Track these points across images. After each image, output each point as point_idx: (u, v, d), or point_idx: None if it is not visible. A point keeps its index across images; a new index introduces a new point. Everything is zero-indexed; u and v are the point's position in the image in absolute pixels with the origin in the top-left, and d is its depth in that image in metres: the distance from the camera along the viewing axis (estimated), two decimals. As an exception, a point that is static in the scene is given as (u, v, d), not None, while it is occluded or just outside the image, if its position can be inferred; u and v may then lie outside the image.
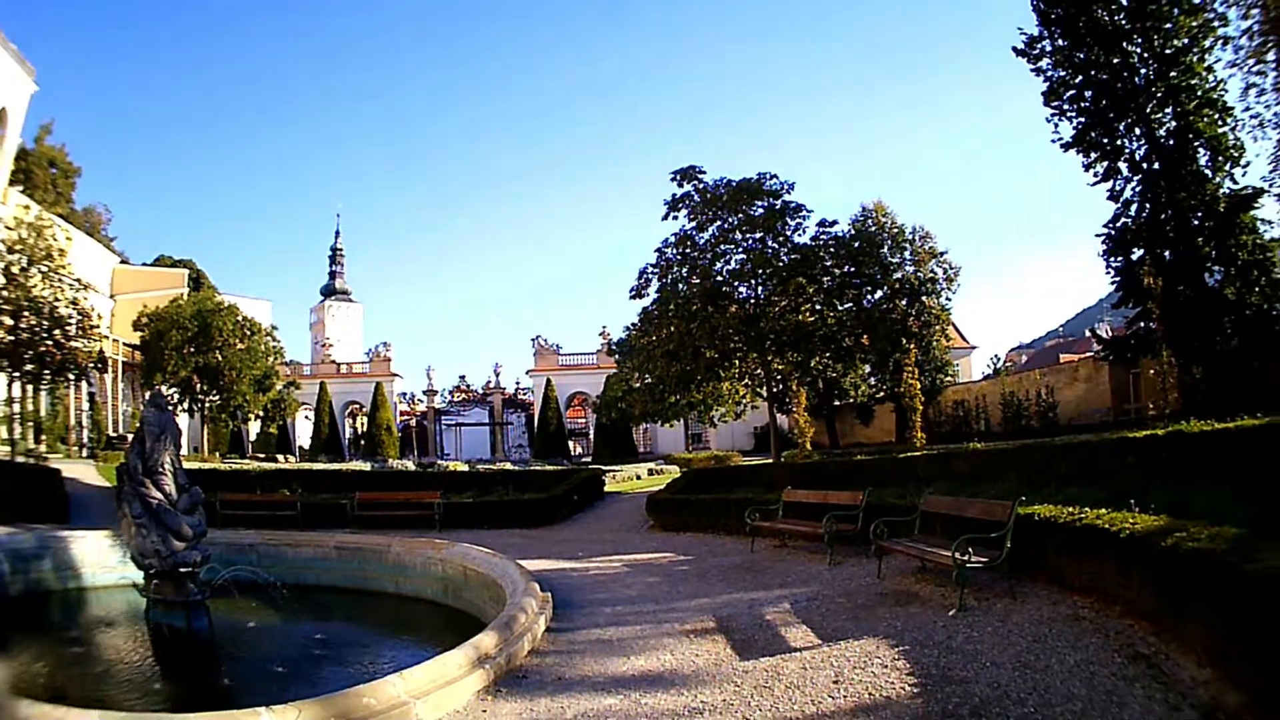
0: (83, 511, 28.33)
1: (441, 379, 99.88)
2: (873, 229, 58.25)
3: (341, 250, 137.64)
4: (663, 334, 38.50)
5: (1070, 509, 12.21)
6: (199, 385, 54.58)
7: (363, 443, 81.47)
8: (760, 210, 38.87)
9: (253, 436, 73.50)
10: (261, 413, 61.56)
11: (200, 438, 61.37)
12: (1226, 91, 34.39)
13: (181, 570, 11.94)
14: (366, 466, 56.64)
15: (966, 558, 11.61)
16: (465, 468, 53.89)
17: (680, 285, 39.08)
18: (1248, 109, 33.34)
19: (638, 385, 43.50)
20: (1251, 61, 32.42)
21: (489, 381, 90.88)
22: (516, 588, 12.64)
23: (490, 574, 14.31)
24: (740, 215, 38.70)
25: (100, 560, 17.44)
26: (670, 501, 29.48)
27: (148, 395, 18.66)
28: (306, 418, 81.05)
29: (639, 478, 48.48)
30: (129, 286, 67.73)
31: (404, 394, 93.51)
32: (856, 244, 43.58)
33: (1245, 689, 6.80)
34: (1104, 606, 10.34)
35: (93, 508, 28.78)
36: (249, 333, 57.72)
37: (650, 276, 39.96)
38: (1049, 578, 12.26)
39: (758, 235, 38.93)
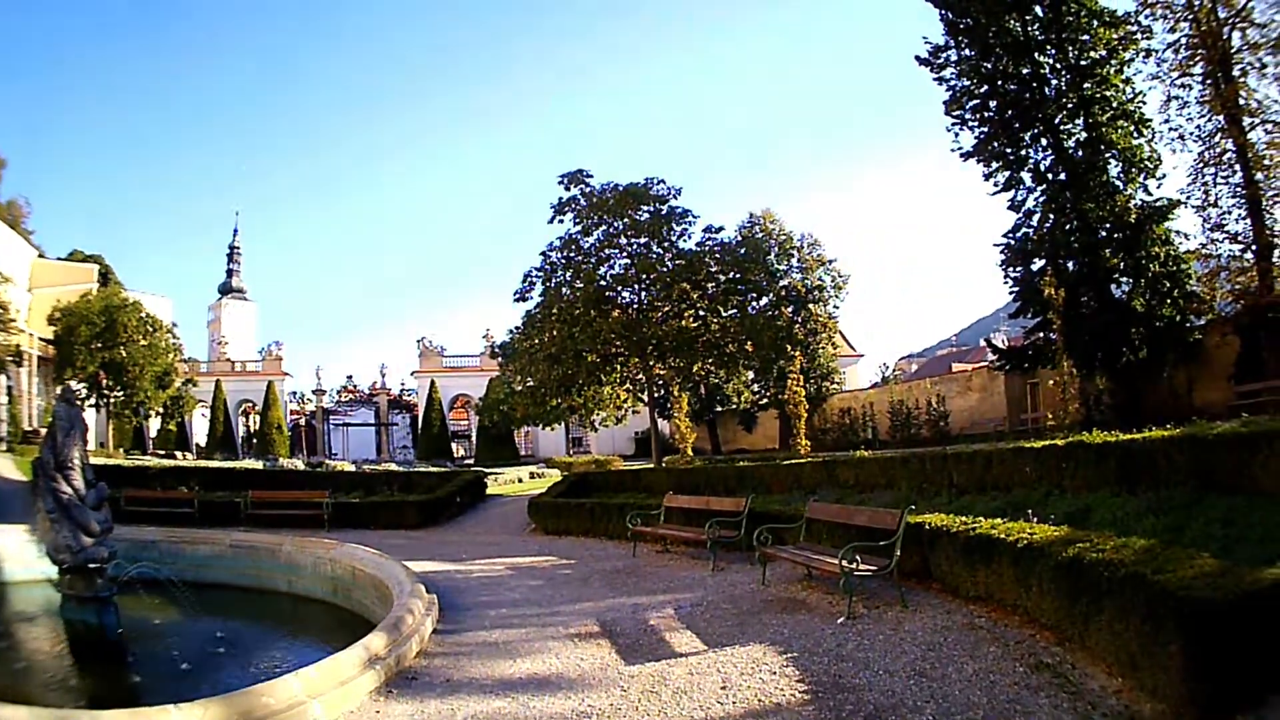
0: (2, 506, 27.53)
1: (333, 378, 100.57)
2: (760, 236, 59.24)
3: (239, 249, 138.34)
4: (545, 337, 38.89)
5: (964, 519, 12.21)
6: (105, 381, 54.25)
7: (255, 441, 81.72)
8: (646, 215, 39.61)
9: (153, 433, 72.25)
10: (161, 409, 62.14)
11: (106, 433, 61.14)
12: (1145, 104, 35.08)
13: (90, 566, 11.94)
14: (259, 465, 57.03)
15: (854, 565, 11.56)
16: (352, 467, 54.35)
17: (564, 289, 39.57)
18: (1167, 121, 34.11)
19: (520, 388, 43.83)
20: (1175, 74, 33.68)
21: (375, 382, 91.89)
22: (403, 589, 12.75)
23: (377, 575, 14.45)
24: (626, 220, 39.37)
25: (18, 555, 17.16)
26: (552, 505, 29.60)
27: (59, 390, 18.69)
28: (204, 415, 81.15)
29: (520, 480, 48.81)
30: (45, 280, 66.15)
31: (294, 393, 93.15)
32: (743, 250, 45.16)
33: (1162, 698, 6.80)
34: (1002, 616, 10.36)
35: (10, 502, 28.07)
36: (151, 329, 57.82)
37: (535, 280, 40.56)
38: (942, 587, 12.27)
39: (643, 240, 39.79)
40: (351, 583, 15.47)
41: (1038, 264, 36.81)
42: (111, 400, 56.04)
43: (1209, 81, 32.88)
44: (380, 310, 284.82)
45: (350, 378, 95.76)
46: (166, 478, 37.19)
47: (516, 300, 41.05)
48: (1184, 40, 33.32)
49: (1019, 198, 37.88)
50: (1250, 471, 11.18)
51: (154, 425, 71.66)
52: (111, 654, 11.87)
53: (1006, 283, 38.60)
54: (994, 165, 37.75)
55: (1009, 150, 37.08)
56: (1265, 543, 9.35)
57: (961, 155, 38.41)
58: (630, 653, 10.49)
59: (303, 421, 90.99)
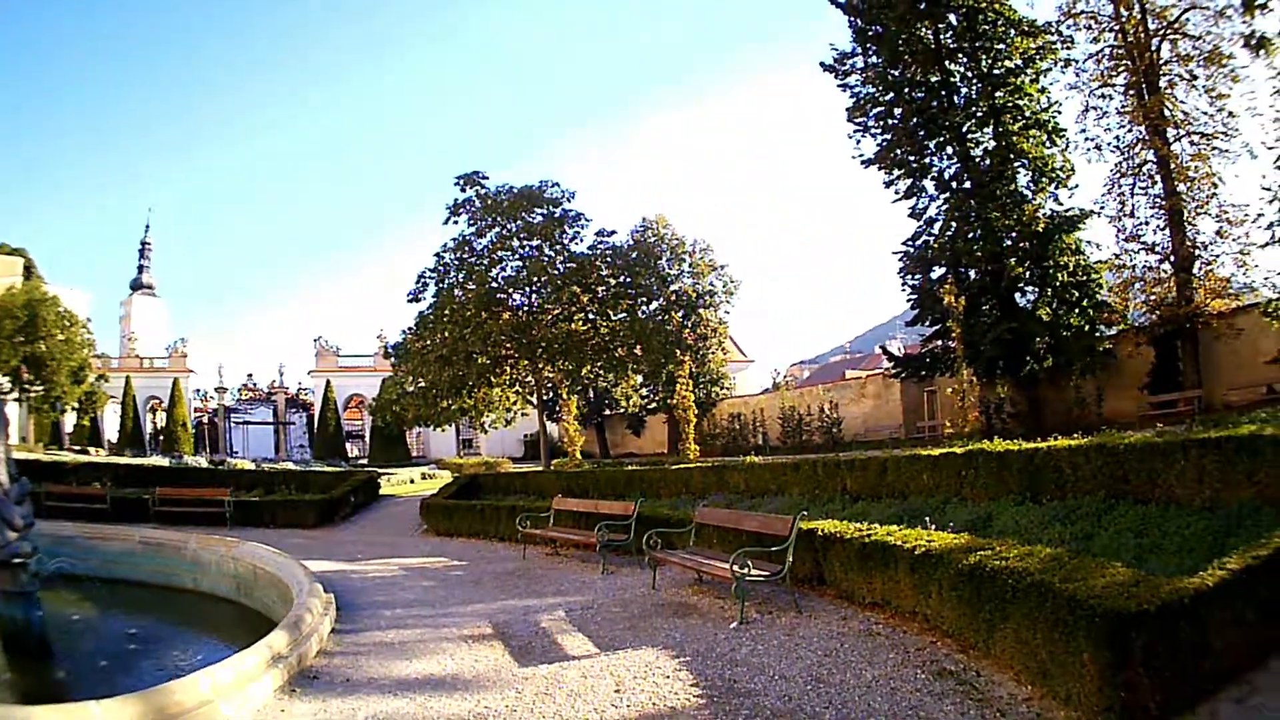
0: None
1: (237, 376, 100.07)
2: (652, 240, 59.61)
3: (150, 245, 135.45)
4: (437, 338, 39.89)
5: (859, 525, 12.26)
6: (26, 375, 54.44)
7: (161, 438, 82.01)
8: (540, 218, 40.80)
9: (69, 428, 74.68)
10: (76, 405, 62.73)
11: (26, 428, 62.46)
12: (1060, 114, 35.72)
13: (15, 561, 11.89)
14: (165, 462, 57.50)
15: (746, 571, 11.58)
16: (253, 466, 55.24)
17: (457, 291, 40.32)
18: (1083, 131, 34.72)
19: (412, 389, 44.14)
20: (1096, 85, 34.58)
21: (274, 381, 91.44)
22: (301, 588, 12.88)
23: (278, 574, 14.62)
24: (520, 222, 40.61)
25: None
26: (443, 506, 30.07)
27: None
28: (115, 411, 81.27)
29: (412, 481, 49.16)
30: (-30, 274, 65.53)
31: (198, 390, 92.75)
32: (634, 255, 46.32)
33: (1077, 707, 6.80)
34: (900, 623, 10.40)
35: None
36: (68, 324, 57.97)
37: (428, 281, 41.66)
38: (837, 593, 12.29)
39: (535, 243, 40.96)
40: (254, 581, 15.66)
41: (938, 272, 37.38)
42: (31, 395, 56.45)
43: (1132, 93, 33.68)
44: (284, 309, 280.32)
45: (250, 375, 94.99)
46: (82, 473, 37.62)
47: (410, 301, 42.16)
48: (1108, 51, 34.19)
49: (921, 205, 38.60)
50: (1165, 481, 11.34)
51: (69, 420, 72.36)
52: (39, 650, 11.97)
53: (905, 290, 39.13)
54: (896, 173, 38.46)
55: (912, 158, 37.65)
56: (1184, 553, 9.46)
57: (862, 162, 39.10)
58: (523, 654, 10.57)
59: (206, 419, 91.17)
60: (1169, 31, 32.80)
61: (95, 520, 27.69)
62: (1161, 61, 33.16)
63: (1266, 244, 28.15)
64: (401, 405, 45.77)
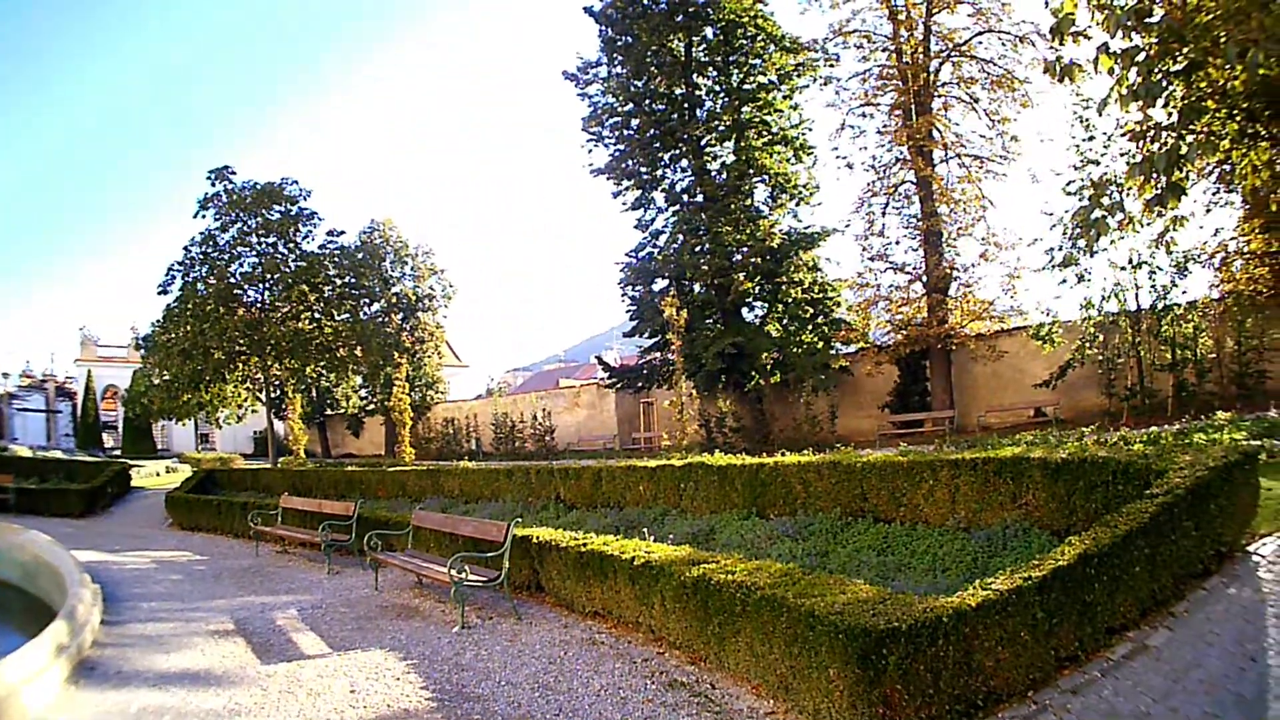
0: None
1: (18, 362, 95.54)
2: (379, 242, 59.43)
3: None
4: (181, 332, 39.45)
5: (575, 534, 12.30)
6: None
7: None
8: (278, 215, 41.15)
9: None
10: None
11: None
12: (811, 130, 36.25)
13: None
14: None
15: (464, 575, 11.70)
16: (30, 453, 53.39)
17: (200, 285, 40.28)
18: (836, 150, 35.25)
19: (158, 381, 43.29)
20: (858, 104, 34.55)
21: (47, 369, 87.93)
22: (73, 579, 13.04)
23: (55, 563, 14.96)
24: (260, 219, 40.84)
25: None
26: (185, 500, 30.26)
27: None
28: None
29: (159, 474, 48.50)
30: None
31: None
32: (360, 255, 47.23)
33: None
34: (624, 632, 10.49)
35: None
36: None
37: (175, 274, 41.14)
38: (556, 601, 12.35)
39: (271, 239, 41.26)
40: (37, 569, 15.88)
41: (661, 284, 37.78)
42: None
43: (898, 113, 33.98)
44: (51, 294, 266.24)
45: (29, 362, 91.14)
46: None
47: (160, 293, 41.69)
48: (876, 70, 34.33)
49: (648, 217, 39.08)
50: (911, 501, 11.72)
51: None
52: None
53: (625, 301, 39.46)
54: (626, 183, 38.60)
55: (644, 169, 37.97)
56: (937, 573, 9.82)
57: (592, 172, 39.33)
58: (264, 652, 10.84)
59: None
60: (954, 54, 33.23)
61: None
62: (940, 83, 33.69)
63: (1042, 268, 28.57)
64: (149, 397, 45.06)
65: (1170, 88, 9.35)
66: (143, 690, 9.15)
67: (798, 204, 37.38)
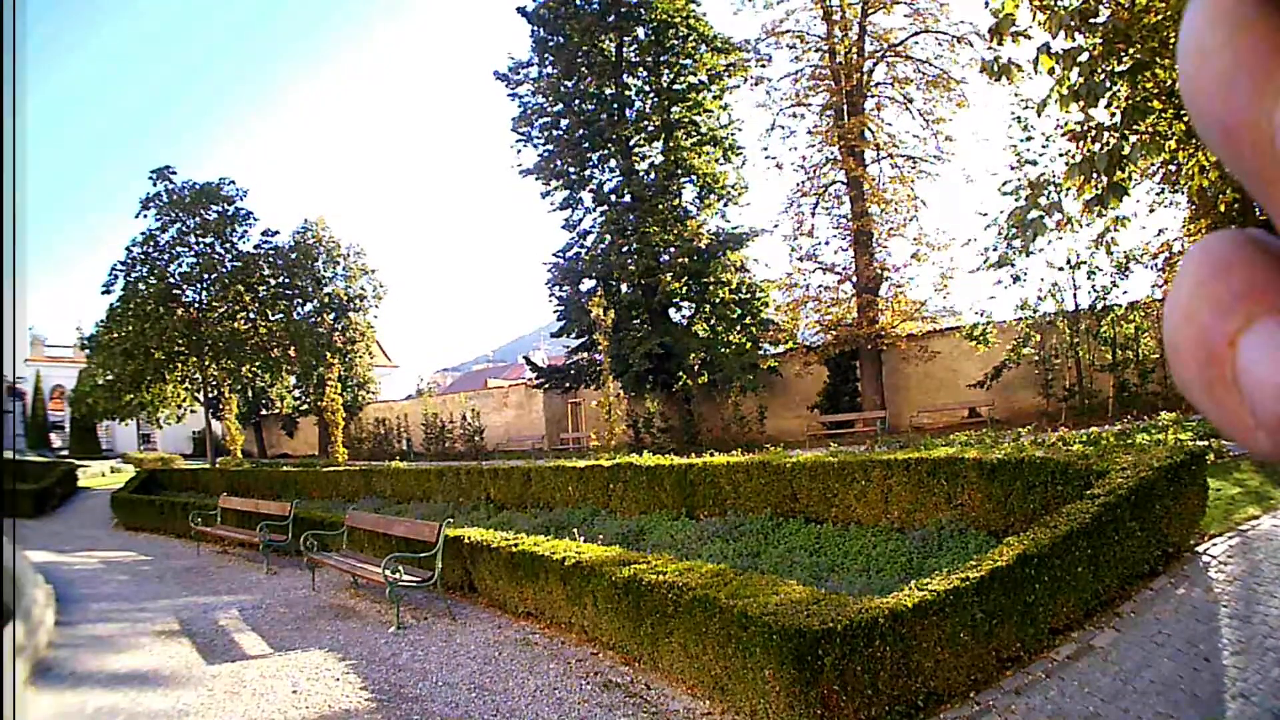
0: None
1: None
2: (312, 242, 58.90)
3: None
4: (123, 332, 39.31)
5: (506, 535, 12.28)
6: None
7: None
8: (215, 215, 41.11)
9: None
10: None
11: None
12: (741, 131, 35.99)
13: None
14: None
15: (398, 576, 11.73)
16: None
17: (141, 285, 40.00)
18: (765, 150, 34.99)
19: (101, 381, 43.17)
20: (789, 104, 34.25)
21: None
22: (28, 580, 12.99)
23: (9, 564, 14.17)
24: (198, 219, 40.77)
25: None
26: (129, 501, 30.41)
27: None
28: None
29: (104, 475, 47.86)
30: None
31: None
32: (294, 255, 46.82)
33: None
34: (557, 633, 10.54)
35: None
36: None
37: (118, 274, 40.80)
38: (490, 601, 12.37)
39: (209, 239, 41.21)
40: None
41: (588, 284, 37.63)
42: None
43: (830, 113, 33.63)
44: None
45: None
46: None
47: (103, 293, 41.28)
48: (809, 70, 34.03)
49: (576, 218, 38.93)
50: (843, 501, 11.81)
51: None
52: None
53: (552, 301, 39.36)
54: (554, 184, 38.43)
55: (573, 170, 37.86)
56: (871, 573, 9.90)
57: (521, 172, 39.04)
58: (208, 652, 10.91)
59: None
60: (889, 54, 32.89)
61: None
62: (874, 83, 33.37)
63: (977, 269, 28.68)
64: (93, 398, 44.83)
65: (1114, 88, 9.41)
66: (96, 691, 9.18)
67: (726, 204, 37.46)
